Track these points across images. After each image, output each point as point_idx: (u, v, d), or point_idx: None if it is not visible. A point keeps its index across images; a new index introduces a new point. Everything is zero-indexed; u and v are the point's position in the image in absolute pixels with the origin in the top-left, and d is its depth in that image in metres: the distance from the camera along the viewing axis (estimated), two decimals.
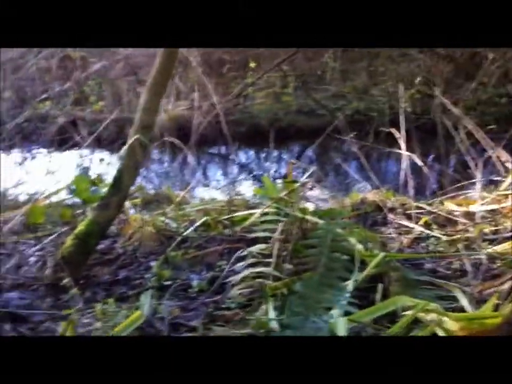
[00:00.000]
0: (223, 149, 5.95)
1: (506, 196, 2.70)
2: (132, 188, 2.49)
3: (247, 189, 3.93)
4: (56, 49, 7.91)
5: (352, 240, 1.99)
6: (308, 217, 2.17)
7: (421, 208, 2.86)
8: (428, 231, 2.47)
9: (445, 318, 1.42)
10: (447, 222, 2.72)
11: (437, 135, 4.61)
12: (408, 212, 2.83)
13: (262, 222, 2.24)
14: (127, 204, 2.72)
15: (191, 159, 3.94)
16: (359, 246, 1.95)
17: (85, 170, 3.57)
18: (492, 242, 2.23)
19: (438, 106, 5.01)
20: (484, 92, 6.54)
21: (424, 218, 2.66)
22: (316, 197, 3.41)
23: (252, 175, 4.78)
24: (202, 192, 3.96)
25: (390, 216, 2.80)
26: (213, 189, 4.22)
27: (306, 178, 2.52)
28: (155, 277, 2.00)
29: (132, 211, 2.75)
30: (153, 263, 2.16)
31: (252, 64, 6.87)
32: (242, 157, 5.71)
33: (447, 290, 1.75)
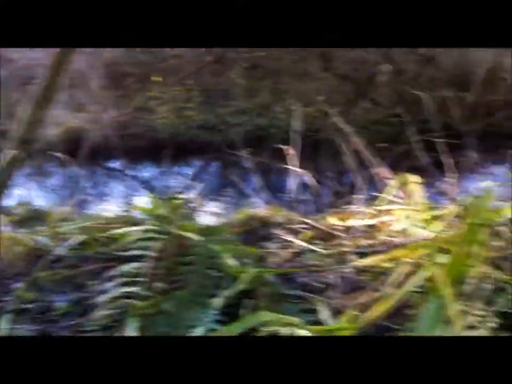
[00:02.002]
0: (119, 163, 5.82)
1: (382, 211, 2.84)
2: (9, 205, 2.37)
3: (140, 205, 3.86)
4: None
5: (227, 256, 1.99)
6: (188, 234, 2.15)
7: (305, 223, 2.94)
8: (306, 245, 2.53)
9: (303, 331, 1.45)
10: (329, 236, 2.81)
11: (331, 153, 4.79)
12: (293, 227, 2.89)
13: (139, 240, 2.20)
14: (3, 221, 2.59)
15: (81, 174, 3.82)
16: (234, 262, 1.96)
17: None
18: (364, 255, 2.32)
19: (332, 124, 5.20)
20: (378, 112, 6.87)
21: (307, 233, 2.72)
22: (209, 213, 3.42)
23: (147, 190, 4.71)
24: (94, 208, 3.84)
25: (275, 231, 2.85)
26: (105, 204, 4.11)
27: (195, 194, 2.51)
28: (16, 300, 1.90)
29: (7, 229, 2.62)
30: (17, 285, 2.05)
31: (156, 78, 6.79)
32: (141, 171, 5.61)
33: (312, 304, 1.79)
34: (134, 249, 2.16)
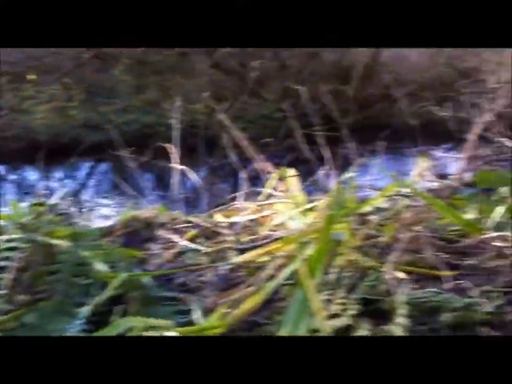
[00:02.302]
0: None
1: (264, 205, 2.88)
2: None
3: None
4: None
5: (97, 262, 1.91)
6: (54, 241, 2.04)
7: (190, 222, 2.91)
8: (188, 245, 2.50)
9: (171, 333, 1.42)
10: (213, 234, 2.80)
11: (217, 150, 4.79)
12: (177, 226, 2.85)
13: (4, 250, 2.05)
14: None
15: None
16: (104, 268, 1.89)
17: None
18: (244, 251, 2.34)
19: (218, 121, 5.20)
20: (265, 107, 7.00)
21: (191, 232, 2.69)
22: (94, 216, 3.28)
23: (29, 194, 4.45)
24: None
25: (159, 232, 2.79)
26: None
27: (62, 198, 2.39)
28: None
29: None
30: None
31: (30, 76, 6.43)
32: (18, 175, 5.29)
33: (187, 304, 1.77)
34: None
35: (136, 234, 2.83)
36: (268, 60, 8.34)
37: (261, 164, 3.45)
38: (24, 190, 4.81)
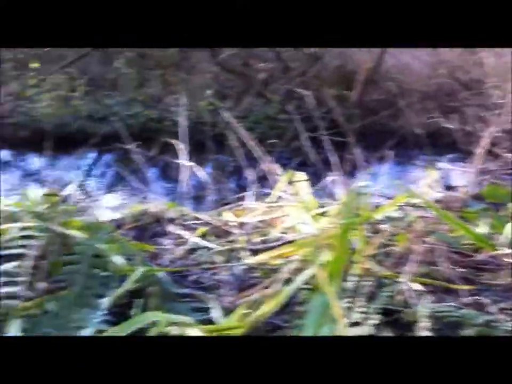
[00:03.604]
0: (5, 154, 5.45)
1: (273, 207, 2.90)
2: None
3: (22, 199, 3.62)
4: None
5: (114, 255, 1.93)
6: (70, 232, 2.06)
7: (199, 219, 2.93)
8: (200, 242, 2.52)
9: (192, 331, 1.45)
10: (223, 232, 2.82)
11: (223, 148, 4.80)
12: (187, 223, 2.87)
13: (20, 238, 2.06)
14: None
15: None
16: (121, 261, 1.90)
17: None
18: (256, 252, 2.36)
19: (223, 119, 5.22)
20: (270, 108, 7.01)
21: (201, 230, 2.71)
22: (101, 208, 3.28)
23: (35, 182, 4.44)
24: None
25: (169, 228, 2.81)
26: None
27: (81, 188, 2.39)
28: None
29: None
30: None
31: (34, 64, 6.40)
32: (23, 163, 5.28)
33: (204, 302, 1.79)
34: (14, 247, 2.03)
35: (146, 229, 2.85)
36: (271, 61, 8.35)
37: (268, 165, 3.47)
38: (28, 177, 4.80)
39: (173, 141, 3.67)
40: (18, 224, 2.14)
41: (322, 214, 2.55)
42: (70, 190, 2.36)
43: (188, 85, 7.47)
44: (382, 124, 6.54)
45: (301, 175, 2.99)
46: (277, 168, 3.40)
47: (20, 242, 2.03)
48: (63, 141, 4.61)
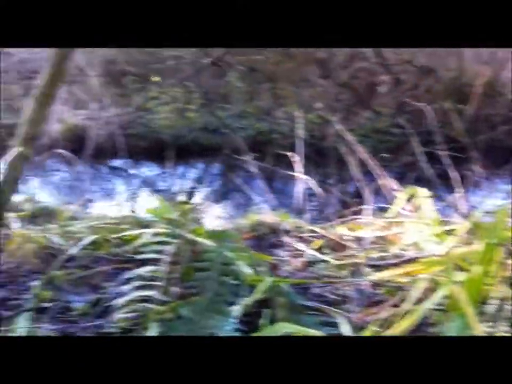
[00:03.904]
0: (122, 162, 5.78)
1: (392, 223, 2.84)
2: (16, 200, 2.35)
3: (145, 205, 3.83)
4: None
5: (241, 264, 1.97)
6: (199, 239, 2.14)
7: (314, 231, 2.92)
8: (318, 255, 2.52)
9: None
10: (338, 246, 2.80)
11: (334, 161, 4.79)
12: (302, 235, 2.88)
13: (152, 243, 2.17)
14: (12, 217, 2.57)
15: (85, 171, 3.80)
16: (248, 271, 1.94)
17: None
18: (377, 268, 2.32)
19: (334, 132, 5.21)
20: (380, 121, 6.89)
21: (317, 242, 2.71)
22: (214, 217, 3.39)
23: (150, 190, 4.68)
24: (98, 207, 3.81)
25: (285, 239, 2.83)
26: (109, 203, 4.08)
27: (202, 198, 2.49)
28: (34, 298, 1.87)
29: (17, 225, 2.59)
30: (34, 283, 2.03)
31: (155, 78, 6.77)
32: (142, 171, 5.58)
33: (330, 316, 1.78)
34: (147, 252, 2.14)
35: (262, 239, 2.89)
36: (381, 74, 8.22)
37: (384, 179, 3.40)
38: (147, 184, 5.06)
39: (289, 154, 3.71)
40: (152, 230, 2.26)
41: (448, 232, 2.45)
42: (197, 199, 2.45)
43: (296, 98, 7.54)
44: (500, 140, 6.20)
45: (424, 191, 2.89)
46: (393, 182, 3.32)
47: (154, 247, 2.14)
48: (179, 151, 4.83)
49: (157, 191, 4.75)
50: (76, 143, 4.59)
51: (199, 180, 5.32)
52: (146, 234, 2.24)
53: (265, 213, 3.45)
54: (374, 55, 7.83)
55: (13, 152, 2.00)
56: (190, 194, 2.73)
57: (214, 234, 2.27)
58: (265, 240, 2.86)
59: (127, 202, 4.26)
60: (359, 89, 8.03)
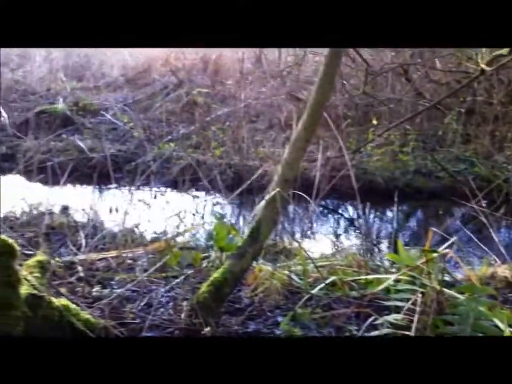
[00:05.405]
0: (333, 203, 5.87)
1: None
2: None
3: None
4: (181, 94, 8.37)
5: (498, 321, 1.84)
6: (446, 290, 2.05)
7: None
8: None
9: None
10: None
11: None
12: None
13: (396, 290, 2.14)
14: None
15: (313, 211, 3.94)
16: (507, 329, 1.80)
17: (221, 216, 3.61)
18: None
19: None
20: None
21: None
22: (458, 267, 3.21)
23: (361, 232, 4.65)
24: (319, 246, 3.90)
25: None
26: (321, 243, 4.17)
27: (446, 248, 2.38)
28: (284, 334, 1.96)
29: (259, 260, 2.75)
30: (280, 319, 2.13)
31: (374, 121, 6.83)
32: (353, 213, 5.61)
33: None
34: (391, 299, 2.11)
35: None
36: None
37: None
38: (357, 228, 5.06)
39: None
40: (393, 276, 2.23)
41: None
42: (445, 248, 2.35)
43: None
44: None
45: None
46: None
47: (398, 295, 2.11)
48: (392, 194, 4.74)
49: (370, 234, 4.71)
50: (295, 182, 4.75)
51: (423, 225, 5.18)
52: (388, 281, 2.21)
53: (496, 265, 3.20)
54: None
55: (272, 192, 2.14)
56: (450, 244, 2.58)
57: (461, 287, 2.16)
58: (499, 294, 2.64)
59: (336, 242, 4.32)
60: None
